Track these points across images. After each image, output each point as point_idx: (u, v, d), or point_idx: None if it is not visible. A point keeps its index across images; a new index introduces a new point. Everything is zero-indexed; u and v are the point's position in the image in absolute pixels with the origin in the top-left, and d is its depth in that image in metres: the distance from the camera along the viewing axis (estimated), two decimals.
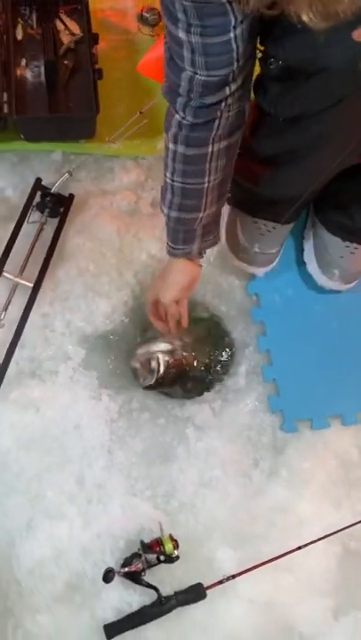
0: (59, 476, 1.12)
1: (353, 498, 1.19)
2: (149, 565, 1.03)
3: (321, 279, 1.28)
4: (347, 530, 1.12)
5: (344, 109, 0.87)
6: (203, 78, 0.78)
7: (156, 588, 1.03)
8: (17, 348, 1.15)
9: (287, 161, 1.03)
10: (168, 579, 1.06)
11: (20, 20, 1.38)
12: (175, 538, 1.05)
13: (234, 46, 0.75)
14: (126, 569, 1.03)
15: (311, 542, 1.09)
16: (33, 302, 1.18)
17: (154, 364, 1.15)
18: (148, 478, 1.15)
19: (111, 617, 1.05)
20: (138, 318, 1.26)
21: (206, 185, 0.94)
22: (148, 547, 1.04)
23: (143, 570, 1.03)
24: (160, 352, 1.16)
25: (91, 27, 1.37)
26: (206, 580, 1.05)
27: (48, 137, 1.33)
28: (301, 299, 1.31)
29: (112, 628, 1.03)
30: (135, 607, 1.05)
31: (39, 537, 1.08)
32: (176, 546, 1.04)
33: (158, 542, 1.04)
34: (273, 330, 1.27)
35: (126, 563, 1.04)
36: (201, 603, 1.05)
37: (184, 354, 1.18)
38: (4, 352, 1.15)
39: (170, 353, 1.17)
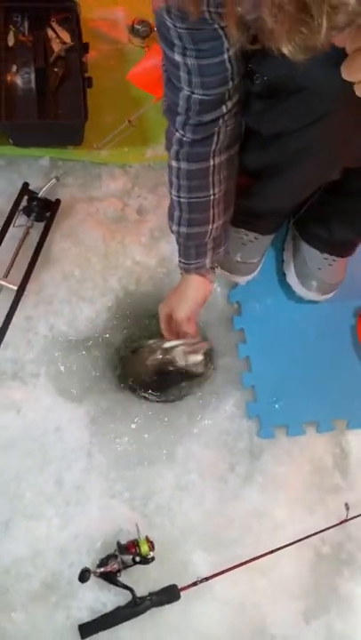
0: (38, 477, 1.14)
1: (326, 503, 1.21)
2: (125, 566, 1.05)
3: (300, 290, 1.31)
4: (319, 534, 1.15)
5: (325, 126, 0.90)
6: (199, 97, 0.82)
7: (131, 589, 1.05)
8: (0, 350, 1.17)
9: (270, 175, 1.06)
10: (143, 580, 1.08)
11: (11, 26, 1.40)
12: (151, 540, 1.06)
13: (228, 66, 0.78)
14: (102, 569, 1.04)
15: (284, 546, 1.12)
16: (17, 305, 1.19)
17: (197, 357, 1.13)
18: (126, 481, 1.17)
19: (86, 617, 1.06)
20: (121, 324, 1.28)
21: (212, 198, 0.97)
22: (124, 548, 1.06)
23: (119, 570, 1.04)
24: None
25: (81, 35, 1.40)
26: (181, 581, 1.07)
27: (36, 142, 1.36)
28: (281, 308, 1.34)
29: (87, 628, 1.04)
30: (110, 607, 1.06)
31: (17, 536, 1.10)
32: (152, 547, 1.06)
33: (134, 544, 1.06)
34: (253, 337, 1.30)
35: (102, 563, 1.05)
36: (175, 604, 1.06)
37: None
38: None
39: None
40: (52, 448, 1.16)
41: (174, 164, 0.94)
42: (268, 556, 1.10)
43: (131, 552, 1.05)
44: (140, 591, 1.06)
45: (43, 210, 1.28)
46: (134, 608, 1.05)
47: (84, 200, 1.37)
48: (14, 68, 1.37)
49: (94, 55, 1.46)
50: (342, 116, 0.88)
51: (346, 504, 1.17)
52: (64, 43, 1.40)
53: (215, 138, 0.90)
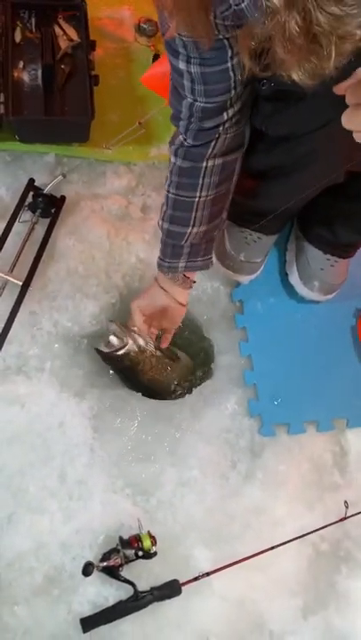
0: (41, 472, 1.14)
1: (325, 501, 1.23)
2: (127, 561, 1.06)
3: (302, 290, 1.33)
4: (318, 532, 1.17)
5: (332, 131, 0.92)
6: (202, 105, 0.84)
7: (132, 584, 1.06)
8: (4, 345, 1.17)
9: (275, 176, 1.07)
10: (145, 574, 1.09)
11: (19, 22, 1.40)
12: (153, 534, 1.07)
13: (231, 74, 0.80)
14: (105, 563, 1.05)
15: (284, 543, 1.13)
16: (22, 300, 1.20)
17: (117, 342, 1.15)
18: (128, 476, 1.17)
19: (88, 611, 1.07)
20: (125, 320, 1.28)
21: (196, 200, 0.98)
22: (126, 542, 1.07)
23: (121, 565, 1.05)
24: (132, 340, 1.17)
25: (88, 33, 1.40)
26: (182, 576, 1.08)
27: (42, 139, 1.36)
28: (283, 307, 1.35)
29: (88, 622, 1.05)
30: (112, 602, 1.07)
31: (20, 530, 1.10)
32: (154, 542, 1.07)
33: (137, 538, 1.07)
34: (255, 336, 1.31)
35: (105, 558, 1.06)
36: (176, 599, 1.07)
37: (152, 360, 1.19)
38: None
39: (139, 348, 1.17)
40: (56, 443, 1.17)
41: (172, 159, 0.96)
42: (267, 552, 1.12)
43: (133, 547, 1.06)
44: (142, 586, 1.07)
45: (48, 206, 1.29)
46: (136, 602, 1.06)
47: (89, 197, 1.37)
48: (21, 64, 1.37)
49: (100, 53, 1.47)
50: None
51: (345, 502, 1.19)
52: (71, 40, 1.40)
53: (213, 143, 0.92)
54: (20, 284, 1.21)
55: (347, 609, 1.17)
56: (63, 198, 1.32)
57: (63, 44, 1.40)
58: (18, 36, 1.39)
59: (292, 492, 1.23)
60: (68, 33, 1.41)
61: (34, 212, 1.28)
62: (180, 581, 1.08)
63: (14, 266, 1.22)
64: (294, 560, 1.18)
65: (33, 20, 1.42)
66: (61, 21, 1.42)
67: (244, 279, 1.33)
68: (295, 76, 0.60)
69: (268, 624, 1.14)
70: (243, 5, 0.59)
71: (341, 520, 1.18)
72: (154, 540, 1.07)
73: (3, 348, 1.17)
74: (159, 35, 1.49)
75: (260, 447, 1.24)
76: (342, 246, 1.28)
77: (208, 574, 1.09)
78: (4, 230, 1.24)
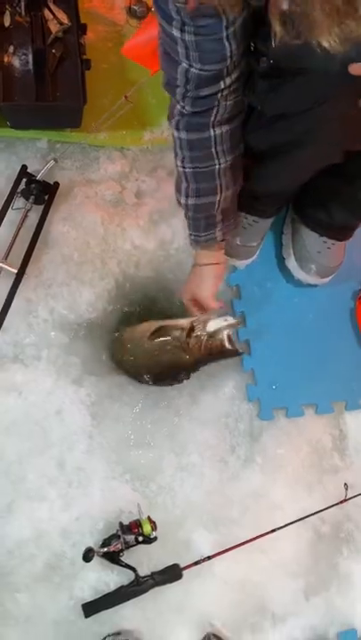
0: (40, 460, 1.14)
1: (325, 483, 1.23)
2: (128, 546, 1.06)
3: (299, 274, 1.32)
4: (319, 514, 1.17)
5: (329, 109, 0.91)
6: (197, 72, 0.82)
7: (133, 568, 1.06)
8: (0, 333, 1.16)
9: (271, 156, 1.06)
10: (145, 559, 1.09)
11: (7, 7, 1.37)
12: (153, 520, 1.07)
13: (226, 44, 0.78)
14: (105, 549, 1.05)
15: (284, 526, 1.13)
16: (17, 288, 1.19)
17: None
18: (127, 462, 1.17)
19: (89, 596, 1.07)
20: (121, 307, 1.28)
21: (217, 167, 0.97)
22: (126, 528, 1.07)
23: (122, 550, 1.05)
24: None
25: (79, 16, 1.38)
26: (183, 560, 1.08)
27: (34, 125, 1.34)
28: (280, 291, 1.35)
29: (90, 607, 1.05)
30: (113, 587, 1.08)
31: (20, 518, 1.10)
32: (154, 527, 1.07)
33: (137, 524, 1.07)
34: (252, 320, 1.31)
35: (105, 543, 1.06)
36: (177, 583, 1.07)
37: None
38: None
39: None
40: (54, 430, 1.16)
41: (176, 133, 0.95)
42: (268, 535, 1.12)
43: (134, 532, 1.06)
44: (143, 571, 1.07)
45: (41, 193, 1.27)
46: (137, 587, 1.06)
47: (83, 183, 1.36)
48: (11, 48, 1.35)
49: (91, 37, 1.45)
50: (347, 99, 0.88)
51: (345, 484, 1.19)
52: (61, 23, 1.37)
53: (215, 110, 0.90)
54: (15, 271, 1.20)
55: (348, 590, 1.18)
56: (56, 185, 1.31)
57: (53, 27, 1.37)
58: (7, 21, 1.37)
59: (291, 476, 1.23)
60: (59, 16, 1.38)
61: (27, 199, 1.26)
62: (181, 565, 1.08)
63: (8, 253, 1.21)
64: (295, 542, 1.19)
65: (22, 4, 1.39)
66: (51, 4, 1.39)
67: (241, 263, 1.32)
68: (326, 42, 0.62)
69: (270, 606, 1.15)
70: None
71: (342, 502, 1.18)
72: (154, 525, 1.07)
73: None
74: (150, 16, 1.46)
75: (259, 431, 1.24)
76: (339, 229, 1.27)
77: (209, 558, 1.09)
78: None
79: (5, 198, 1.25)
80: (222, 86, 0.85)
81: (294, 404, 1.27)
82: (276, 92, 0.90)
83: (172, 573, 1.08)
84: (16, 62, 1.34)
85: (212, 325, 1.13)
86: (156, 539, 1.07)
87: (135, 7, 1.47)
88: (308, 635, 1.15)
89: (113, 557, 1.06)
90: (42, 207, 1.28)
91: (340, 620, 1.17)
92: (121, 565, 1.06)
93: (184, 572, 1.08)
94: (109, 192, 1.36)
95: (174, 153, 0.98)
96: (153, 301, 1.30)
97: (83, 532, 1.11)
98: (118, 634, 1.06)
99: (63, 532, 1.11)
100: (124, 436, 1.19)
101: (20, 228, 1.24)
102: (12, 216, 1.24)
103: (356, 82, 0.75)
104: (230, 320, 1.13)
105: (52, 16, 1.38)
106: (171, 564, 1.09)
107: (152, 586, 1.07)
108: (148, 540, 1.06)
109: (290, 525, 1.13)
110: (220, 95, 0.87)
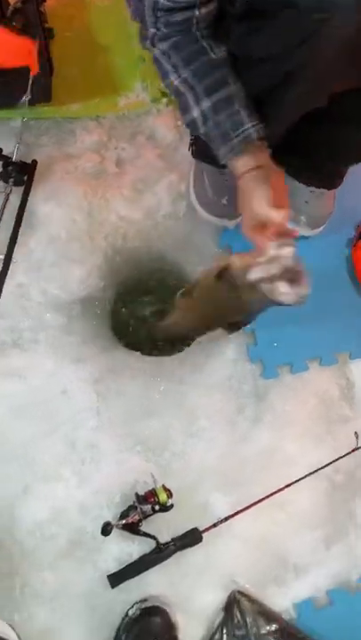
0: (50, 441, 1.15)
1: (336, 434, 1.23)
2: (145, 516, 1.07)
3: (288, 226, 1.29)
4: (332, 464, 1.17)
5: (312, 49, 0.85)
6: (166, 3, 0.79)
7: (154, 537, 1.08)
8: None
9: (256, 103, 1.01)
10: (164, 527, 1.11)
11: None
12: (168, 487, 1.09)
13: None
14: (124, 521, 1.06)
15: (299, 479, 1.14)
16: (6, 273, 1.17)
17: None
18: (137, 434, 1.18)
19: (113, 568, 1.09)
20: (114, 281, 1.27)
21: (214, 57, 0.88)
22: (143, 498, 1.08)
23: (140, 521, 1.07)
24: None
25: None
26: (201, 524, 1.10)
27: (2, 103, 1.30)
28: None
29: (115, 578, 1.08)
30: (135, 557, 1.10)
31: (37, 499, 1.11)
32: (170, 495, 1.08)
33: (152, 493, 1.08)
34: None
35: (123, 515, 1.08)
36: (198, 546, 1.10)
37: None
38: None
39: None
40: (61, 411, 1.17)
41: (157, 51, 0.87)
42: (283, 490, 1.13)
43: (150, 502, 1.08)
44: (163, 538, 1.09)
45: (20, 174, 1.24)
46: (159, 554, 1.08)
47: (61, 158, 1.33)
48: None
49: (52, 4, 1.39)
50: (327, 38, 0.83)
51: (355, 432, 1.19)
52: None
53: (194, 29, 0.84)
54: (2, 257, 1.18)
55: None
56: (35, 163, 1.28)
57: None
58: None
59: (301, 430, 1.23)
60: None
61: (6, 181, 1.23)
62: (200, 529, 1.10)
63: None
64: (311, 495, 1.20)
65: None
66: None
67: (230, 223, 1.29)
68: None
69: (292, 558, 1.17)
70: None
71: (353, 451, 1.19)
72: (169, 493, 1.08)
73: None
74: None
75: (265, 390, 1.24)
76: (325, 176, 1.23)
77: (226, 519, 1.11)
78: None
79: None
80: (196, 14, 0.82)
81: (298, 360, 1.26)
82: (255, 34, 0.83)
83: (192, 537, 1.10)
84: None
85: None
86: (172, 506, 1.08)
87: None
88: (331, 582, 1.17)
89: (132, 528, 1.08)
90: (22, 189, 1.26)
91: None
92: (141, 535, 1.08)
93: (203, 535, 1.10)
94: (89, 164, 1.33)
95: (163, 74, 0.90)
96: (147, 272, 1.29)
97: (101, 506, 1.13)
98: (145, 600, 1.09)
99: (81, 508, 1.13)
100: (131, 409, 1.20)
101: (2, 213, 1.22)
102: None
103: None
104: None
105: None
106: (190, 528, 1.10)
107: (174, 551, 1.09)
108: (165, 508, 1.08)
109: (304, 479, 1.15)
110: (194, 20, 0.82)
